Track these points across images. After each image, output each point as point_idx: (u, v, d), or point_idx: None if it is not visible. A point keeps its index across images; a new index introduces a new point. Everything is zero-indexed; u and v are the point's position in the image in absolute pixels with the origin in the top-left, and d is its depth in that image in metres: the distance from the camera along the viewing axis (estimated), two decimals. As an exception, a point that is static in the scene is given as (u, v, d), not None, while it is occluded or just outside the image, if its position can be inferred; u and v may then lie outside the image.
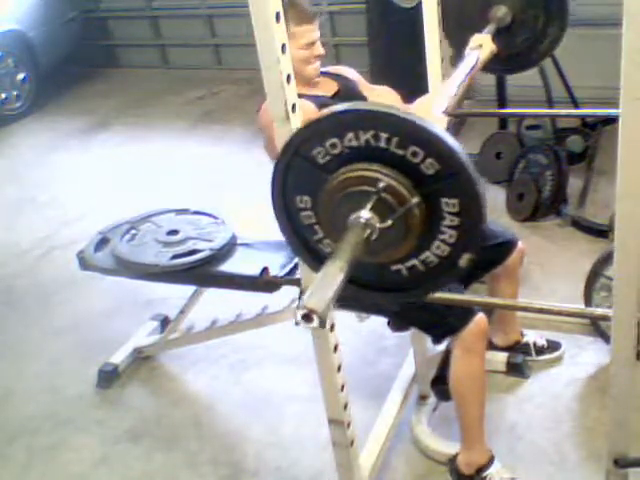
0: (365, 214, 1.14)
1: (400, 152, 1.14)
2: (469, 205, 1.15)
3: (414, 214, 1.16)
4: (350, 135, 1.17)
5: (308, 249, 1.35)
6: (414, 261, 1.25)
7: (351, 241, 1.12)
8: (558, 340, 2.48)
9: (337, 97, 2.05)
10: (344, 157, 1.20)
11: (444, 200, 1.16)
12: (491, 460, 2.01)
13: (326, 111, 1.20)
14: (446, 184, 1.15)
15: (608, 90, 2.18)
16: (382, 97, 2.10)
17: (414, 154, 1.14)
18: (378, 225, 1.14)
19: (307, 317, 1.03)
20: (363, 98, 2.08)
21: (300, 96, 1.93)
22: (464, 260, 1.21)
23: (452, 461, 2.06)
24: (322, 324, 1.03)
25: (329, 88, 2.09)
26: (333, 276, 1.06)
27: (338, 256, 1.09)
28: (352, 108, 1.19)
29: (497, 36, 2.06)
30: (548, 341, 2.46)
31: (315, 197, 1.27)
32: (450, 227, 1.19)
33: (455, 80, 1.82)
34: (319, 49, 2.03)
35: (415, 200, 1.14)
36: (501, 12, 2.11)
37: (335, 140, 1.19)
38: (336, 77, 2.14)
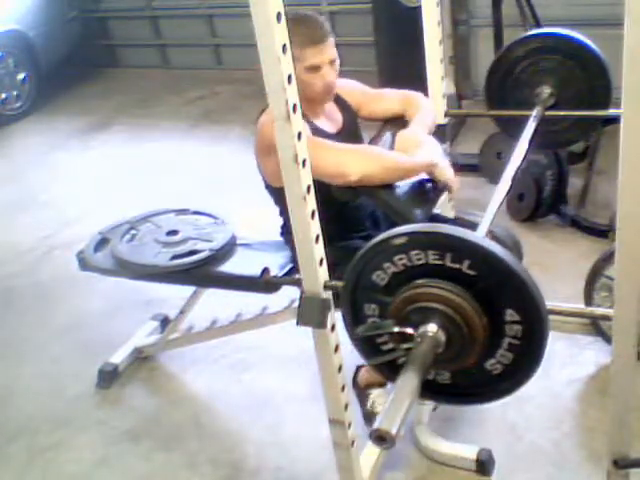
0: (431, 328, 1.26)
1: (455, 266, 1.25)
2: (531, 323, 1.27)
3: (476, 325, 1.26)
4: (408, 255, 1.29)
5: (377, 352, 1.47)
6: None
7: (420, 355, 1.23)
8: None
9: (340, 135, 1.97)
10: (403, 276, 1.32)
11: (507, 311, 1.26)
12: (381, 385, 2.16)
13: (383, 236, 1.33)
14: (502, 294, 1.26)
15: (608, 90, 2.19)
16: (378, 112, 2.10)
17: (469, 267, 1.25)
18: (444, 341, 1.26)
19: (380, 439, 1.11)
20: (360, 137, 2.09)
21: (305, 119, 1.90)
22: None
23: (357, 369, 2.23)
24: (392, 445, 1.13)
25: (334, 121, 2.02)
26: (405, 395, 1.15)
27: (409, 373, 1.19)
28: (407, 231, 1.30)
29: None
30: None
31: (382, 310, 1.39)
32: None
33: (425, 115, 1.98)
34: (327, 75, 1.82)
35: (479, 316, 1.25)
36: (545, 93, 2.18)
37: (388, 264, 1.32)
38: (342, 104, 2.05)
